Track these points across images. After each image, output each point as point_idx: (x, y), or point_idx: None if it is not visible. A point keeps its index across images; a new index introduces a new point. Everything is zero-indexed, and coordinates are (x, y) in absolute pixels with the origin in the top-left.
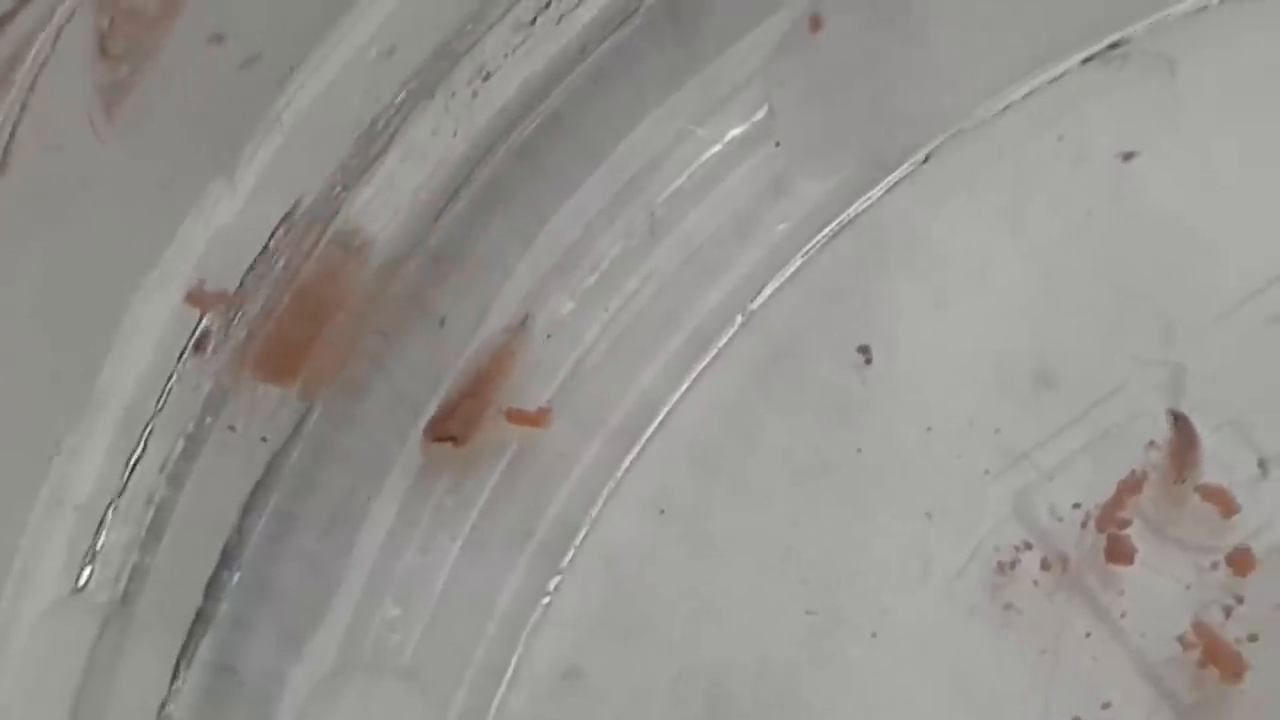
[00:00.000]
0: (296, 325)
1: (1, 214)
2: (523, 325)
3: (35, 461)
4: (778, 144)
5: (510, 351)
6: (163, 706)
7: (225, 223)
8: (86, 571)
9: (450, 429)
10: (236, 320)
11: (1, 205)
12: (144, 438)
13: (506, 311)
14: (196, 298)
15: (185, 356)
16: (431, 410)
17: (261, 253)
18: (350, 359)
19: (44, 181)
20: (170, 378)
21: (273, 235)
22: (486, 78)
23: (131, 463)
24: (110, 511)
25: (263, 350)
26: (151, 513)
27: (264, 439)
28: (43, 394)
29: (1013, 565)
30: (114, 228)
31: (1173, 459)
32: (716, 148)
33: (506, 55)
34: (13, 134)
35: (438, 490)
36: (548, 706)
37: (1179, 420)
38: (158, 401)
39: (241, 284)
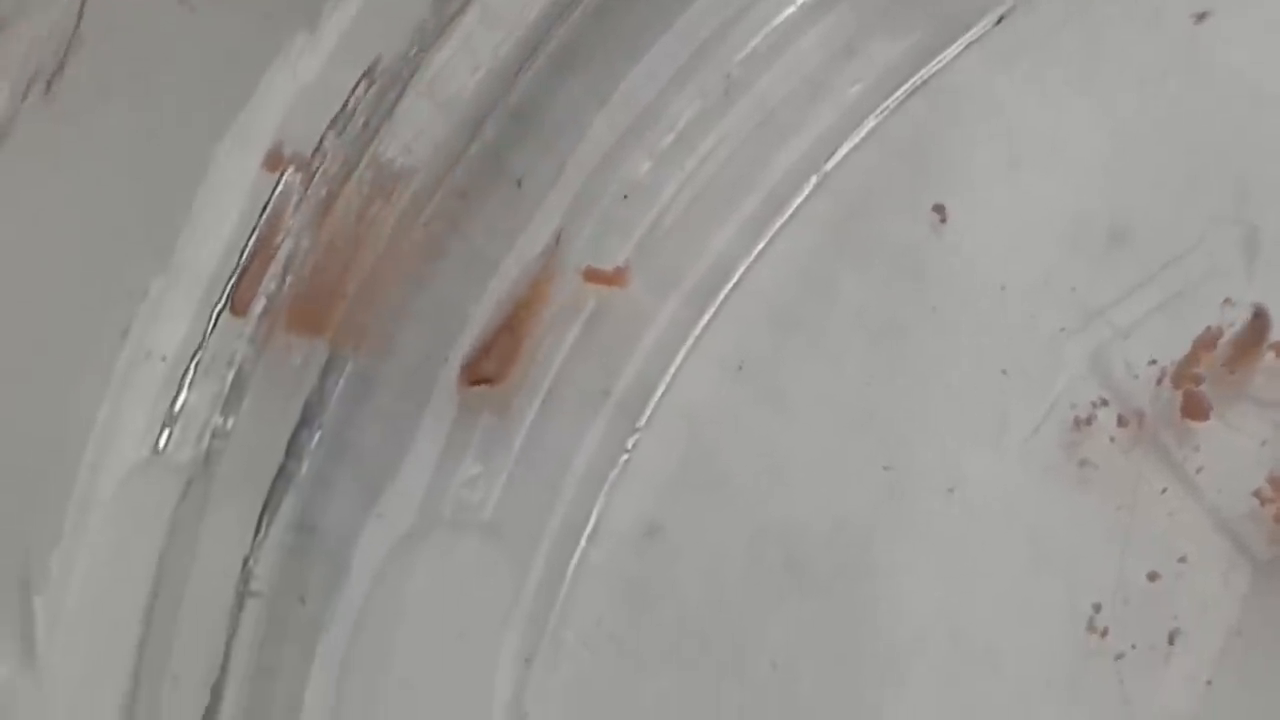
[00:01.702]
0: (374, 189)
1: (86, 67)
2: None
3: (122, 311)
4: (851, 6)
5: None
6: (245, 565)
7: (307, 80)
8: (168, 432)
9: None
10: (316, 180)
11: (85, 58)
12: (226, 292)
13: (582, 170)
14: (276, 157)
15: (266, 215)
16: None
17: (340, 112)
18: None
19: (127, 34)
20: (251, 235)
21: (352, 94)
22: None
23: (214, 318)
24: (194, 366)
25: (342, 210)
26: (233, 371)
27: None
28: (130, 244)
29: (1088, 422)
30: (198, 83)
31: (1247, 338)
32: (790, 9)
33: None
34: None
35: None
36: (628, 562)
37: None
38: (238, 258)
39: (321, 144)
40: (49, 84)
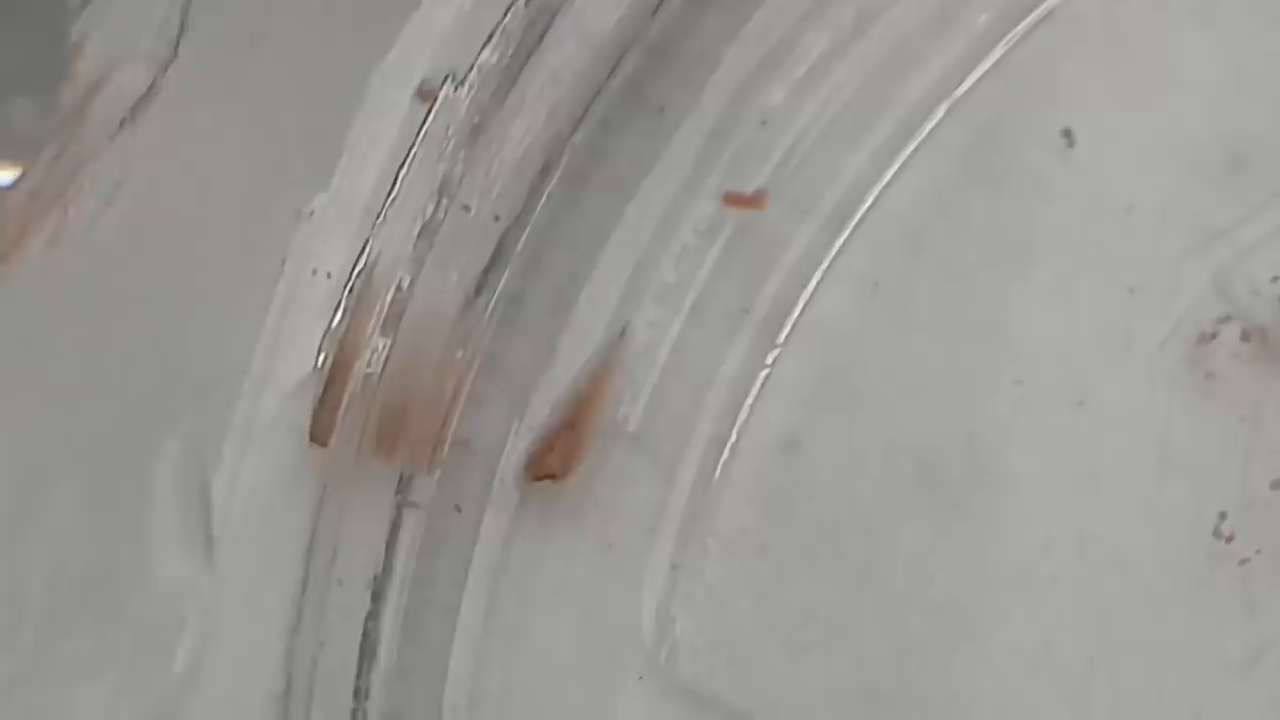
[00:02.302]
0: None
1: None
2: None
3: (287, 224)
4: None
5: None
6: (402, 478)
7: (460, 9)
8: (328, 353)
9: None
10: (467, 108)
11: None
12: (384, 211)
13: (719, 99)
14: (429, 86)
15: (421, 137)
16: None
17: (490, 40)
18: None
19: None
20: (408, 155)
21: (501, 23)
22: None
23: (374, 235)
24: (355, 283)
25: (496, 131)
26: (392, 290)
27: (496, 217)
28: (294, 165)
29: (1213, 337)
30: (354, 12)
31: None
32: None
33: None
34: None
35: (660, 270)
36: (769, 475)
37: None
38: (395, 180)
39: (471, 70)
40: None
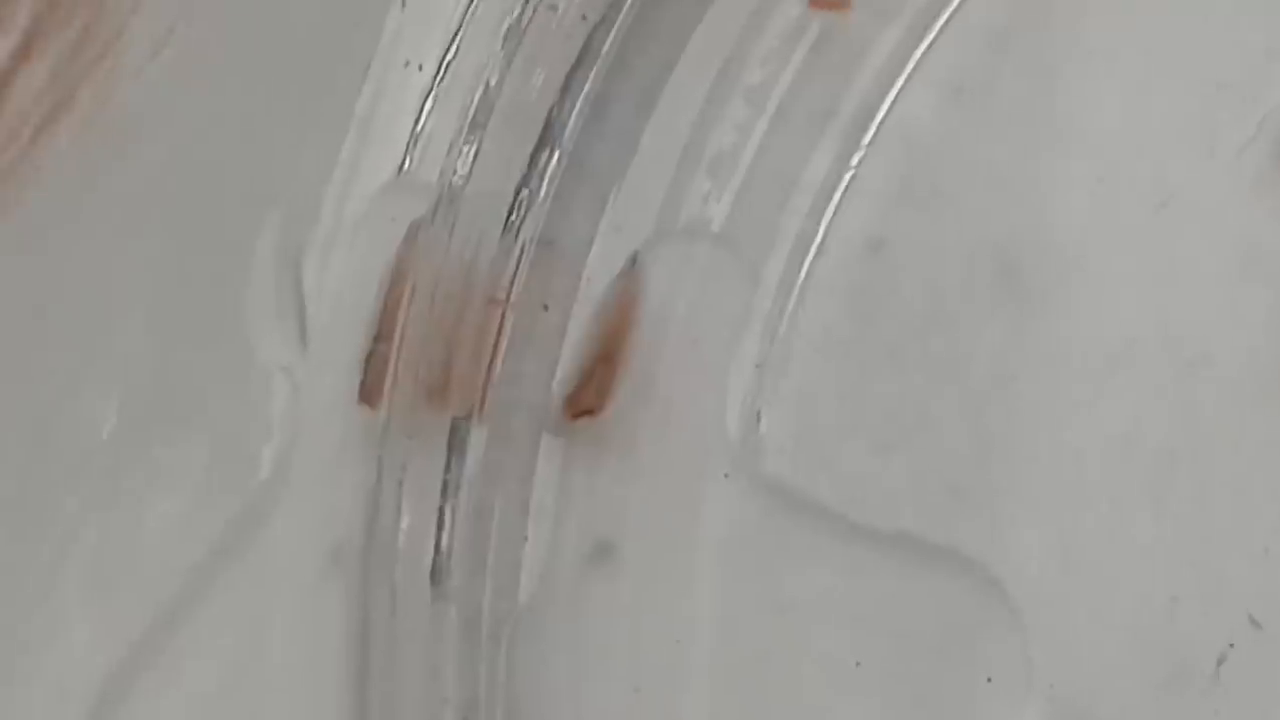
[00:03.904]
0: None
1: None
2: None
3: (375, 18)
4: None
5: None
6: (490, 275)
7: None
8: (414, 153)
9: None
10: None
11: None
12: (472, 7)
13: None
14: None
15: None
16: None
17: None
18: None
19: None
20: None
21: None
22: None
23: (462, 32)
24: (442, 80)
25: None
26: (480, 90)
27: (584, 17)
28: None
29: None
30: None
31: None
32: None
33: None
34: None
35: (745, 72)
36: (853, 273)
37: None
38: None
39: None
40: None
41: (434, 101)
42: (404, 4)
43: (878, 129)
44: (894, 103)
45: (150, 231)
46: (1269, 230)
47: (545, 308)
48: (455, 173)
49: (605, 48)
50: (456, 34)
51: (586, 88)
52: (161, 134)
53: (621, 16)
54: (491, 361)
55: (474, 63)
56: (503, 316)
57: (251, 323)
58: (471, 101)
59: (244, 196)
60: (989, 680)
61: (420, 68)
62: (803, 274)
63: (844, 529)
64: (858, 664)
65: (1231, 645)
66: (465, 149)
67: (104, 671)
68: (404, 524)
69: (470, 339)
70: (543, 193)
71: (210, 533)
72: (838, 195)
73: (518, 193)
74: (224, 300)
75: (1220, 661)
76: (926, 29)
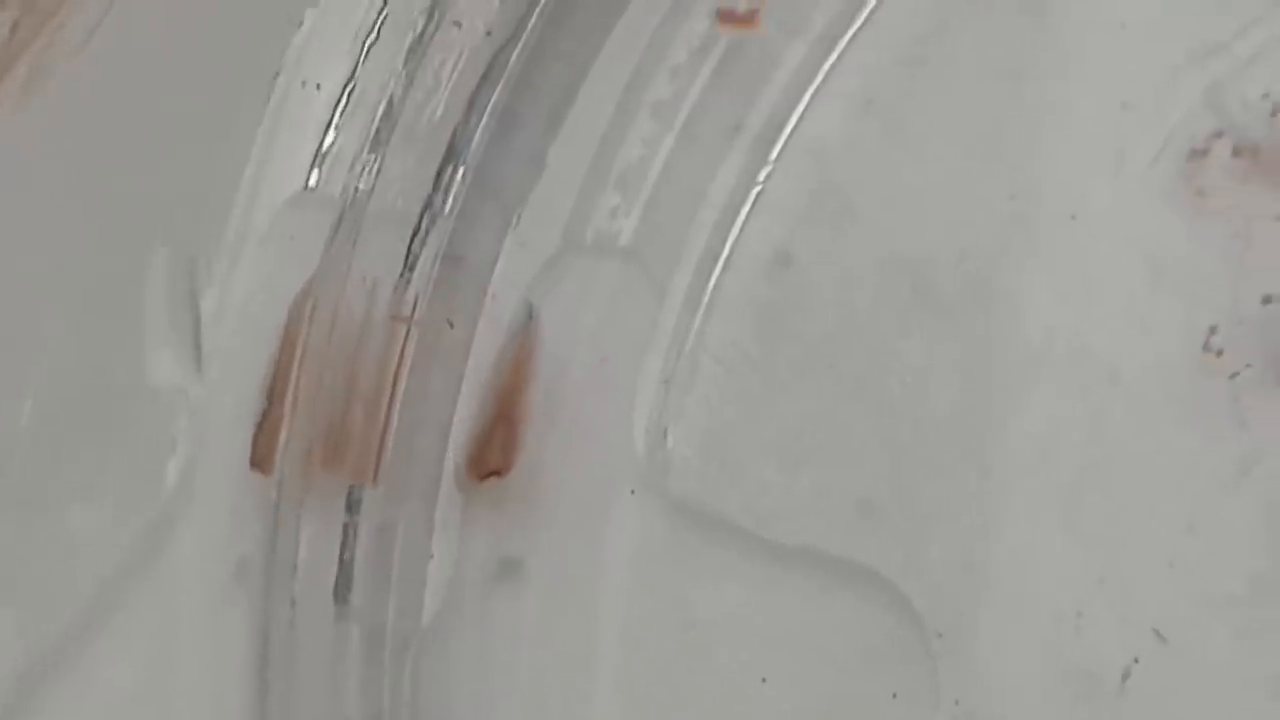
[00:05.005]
0: None
1: None
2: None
3: (278, 38)
4: None
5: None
6: (394, 292)
7: None
8: (319, 170)
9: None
10: None
11: None
12: (376, 26)
13: None
14: None
15: None
16: None
17: None
18: None
19: None
20: None
21: None
22: None
23: (365, 50)
24: (346, 98)
25: None
26: (383, 106)
27: (488, 33)
28: None
29: (1205, 153)
30: None
31: None
32: None
33: None
34: None
35: (653, 86)
36: (761, 289)
37: None
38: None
39: None
40: None
41: (339, 118)
42: (301, 23)
43: (786, 143)
44: (802, 117)
45: (54, 238)
46: (1175, 244)
47: (450, 324)
48: (359, 189)
49: (511, 63)
50: (361, 50)
51: (492, 103)
52: (62, 144)
53: (527, 33)
54: (391, 398)
55: (377, 80)
56: (407, 334)
57: (146, 340)
58: (374, 118)
59: (138, 213)
60: (894, 696)
61: (319, 87)
62: (710, 289)
63: (752, 545)
64: (764, 680)
65: (1136, 660)
66: (369, 165)
67: (12, 676)
68: (306, 540)
69: (373, 363)
70: (448, 209)
71: (121, 543)
72: (746, 210)
73: (423, 209)
74: (122, 314)
75: (1125, 676)
76: (835, 42)
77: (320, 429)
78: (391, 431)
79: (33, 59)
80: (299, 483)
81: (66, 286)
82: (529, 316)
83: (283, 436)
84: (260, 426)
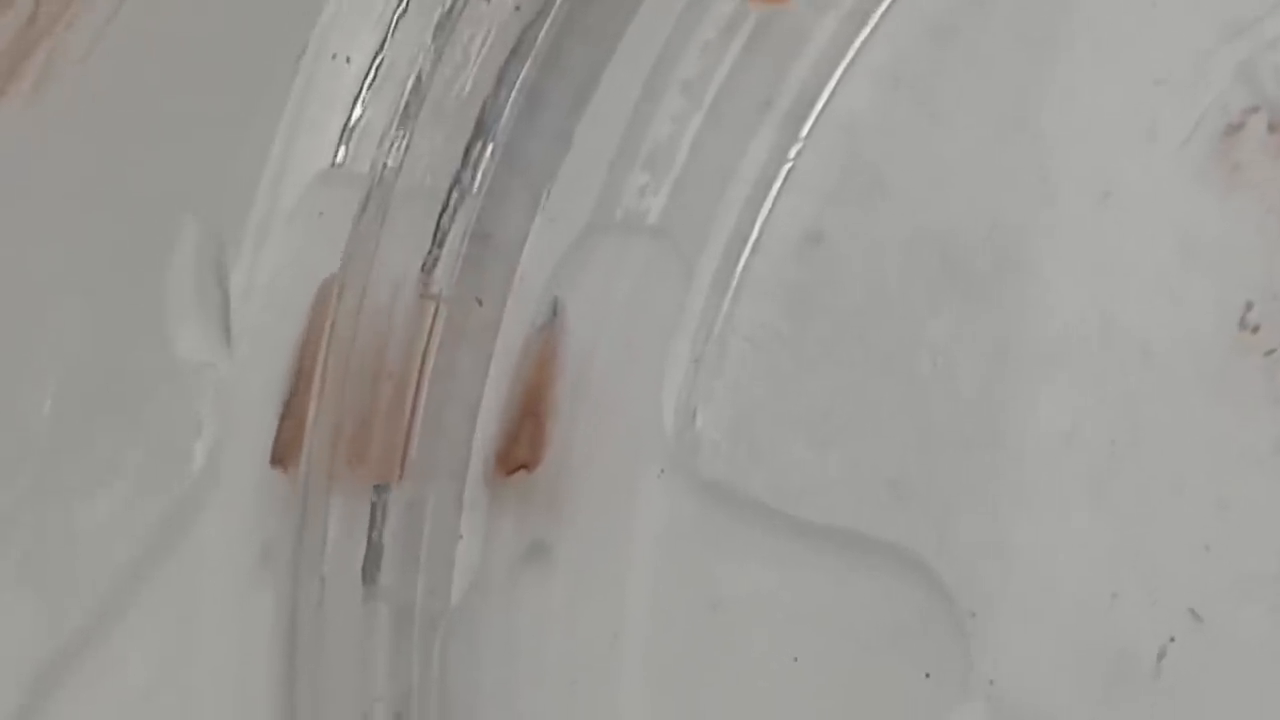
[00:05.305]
0: None
1: None
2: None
3: (307, 10)
4: None
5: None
6: (423, 270)
7: None
8: (347, 146)
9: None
10: None
11: None
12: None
13: None
14: None
15: None
16: None
17: None
18: None
19: None
20: None
21: None
22: None
23: (394, 23)
24: (374, 72)
25: None
26: (411, 81)
27: (517, 8)
28: None
29: (1239, 129)
30: None
31: None
32: None
33: None
34: None
35: (681, 63)
36: (791, 268)
37: None
38: None
39: None
40: None
41: (367, 94)
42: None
43: (816, 121)
44: (832, 94)
45: (79, 219)
46: (1211, 223)
47: (479, 302)
48: (387, 166)
49: (539, 39)
50: (390, 23)
51: (520, 80)
52: (89, 123)
53: (556, 8)
54: (420, 376)
55: (406, 55)
56: (435, 311)
57: (172, 319)
58: (403, 92)
59: (166, 190)
60: (927, 676)
61: (348, 60)
62: (740, 268)
63: (781, 525)
64: (795, 660)
65: (1172, 639)
66: (397, 141)
67: (37, 663)
68: (335, 520)
69: (401, 341)
70: (476, 186)
71: (144, 528)
72: (775, 188)
73: (451, 186)
74: (148, 294)
75: (1161, 656)
76: (866, 18)
77: (349, 409)
78: (420, 408)
79: (59, 36)
80: (326, 465)
81: (94, 265)
82: (554, 313)
83: (310, 417)
84: (284, 417)
